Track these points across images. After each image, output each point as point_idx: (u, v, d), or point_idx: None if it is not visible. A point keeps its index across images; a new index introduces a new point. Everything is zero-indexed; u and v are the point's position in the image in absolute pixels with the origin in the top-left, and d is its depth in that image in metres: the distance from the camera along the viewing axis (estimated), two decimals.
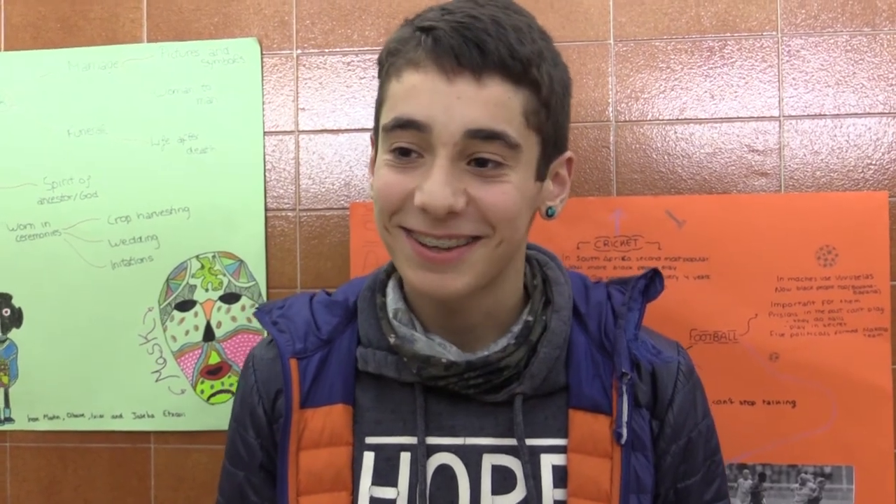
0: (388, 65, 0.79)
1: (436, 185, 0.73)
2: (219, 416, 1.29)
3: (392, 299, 0.88)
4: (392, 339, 0.85)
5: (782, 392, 1.21)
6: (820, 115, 1.23)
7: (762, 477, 1.22)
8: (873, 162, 1.22)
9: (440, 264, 0.77)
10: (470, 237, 0.77)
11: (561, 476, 0.83)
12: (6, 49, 1.36)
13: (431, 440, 0.85)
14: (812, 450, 1.21)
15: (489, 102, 0.74)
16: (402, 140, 0.75)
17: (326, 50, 1.31)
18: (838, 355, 1.20)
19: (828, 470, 1.21)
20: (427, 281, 0.77)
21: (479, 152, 0.75)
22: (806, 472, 1.21)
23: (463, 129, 0.73)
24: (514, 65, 0.74)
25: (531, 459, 0.83)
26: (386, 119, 0.77)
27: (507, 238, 0.78)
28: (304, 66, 1.32)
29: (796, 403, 1.21)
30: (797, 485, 1.21)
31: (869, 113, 1.22)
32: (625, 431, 0.83)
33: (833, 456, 1.20)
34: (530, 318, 0.85)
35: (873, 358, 1.20)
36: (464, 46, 0.73)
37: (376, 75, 0.84)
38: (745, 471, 1.22)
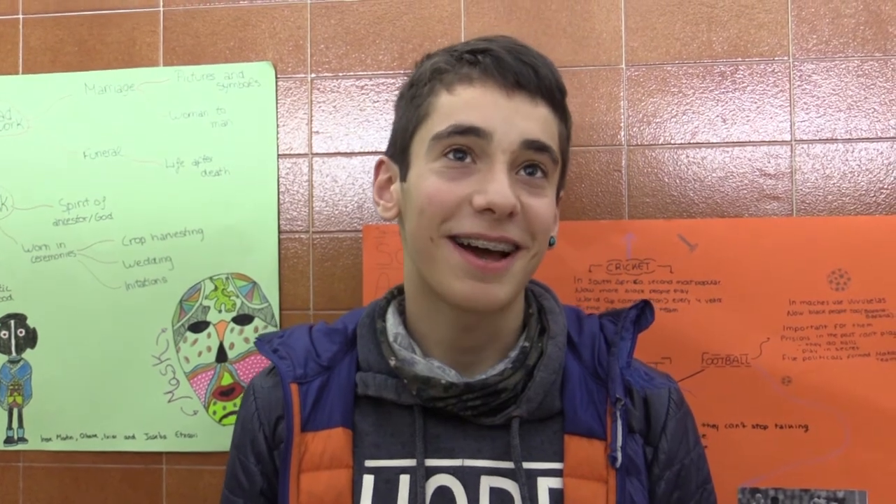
0: (434, 81, 0.83)
1: (502, 185, 0.77)
2: (231, 437, 1.29)
3: (392, 324, 0.90)
4: (393, 362, 0.86)
5: (795, 416, 1.21)
6: (832, 139, 1.24)
7: (774, 501, 1.21)
8: (885, 186, 1.22)
9: (490, 273, 0.79)
10: (514, 245, 0.80)
11: (557, 499, 0.84)
12: (24, 72, 1.37)
13: (430, 462, 0.86)
14: (825, 474, 1.20)
15: (540, 120, 0.81)
16: (458, 143, 0.79)
17: (340, 74, 1.33)
18: (851, 379, 1.20)
19: (841, 495, 1.20)
20: (475, 290, 0.79)
21: (531, 160, 0.80)
22: (819, 497, 1.21)
23: (521, 138, 0.79)
24: (558, 95, 0.83)
25: (528, 482, 0.84)
26: (439, 127, 0.80)
27: (540, 251, 0.83)
28: (318, 89, 1.33)
29: (809, 427, 1.21)
30: None
31: (881, 137, 1.23)
32: (619, 455, 0.84)
33: (846, 481, 1.20)
34: (527, 344, 0.88)
35: (886, 382, 1.20)
36: (523, 68, 0.80)
37: (403, 99, 0.87)
38: (758, 495, 1.21)
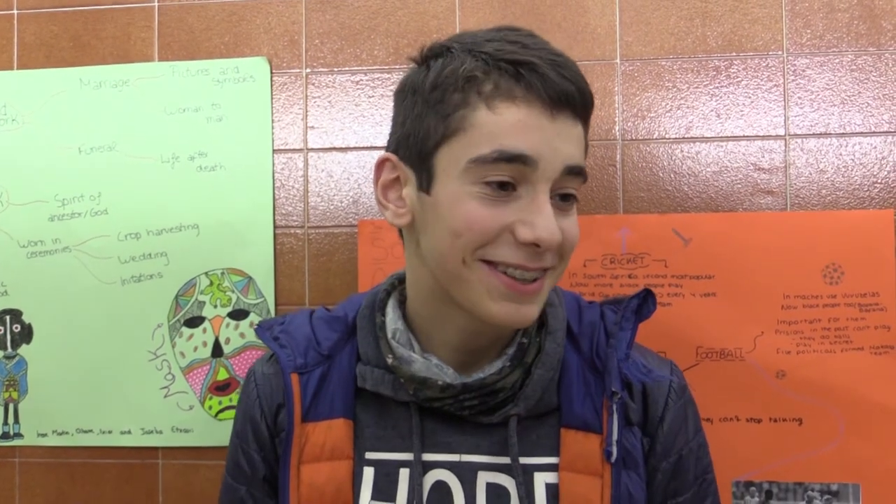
0: (469, 92, 0.76)
1: (549, 220, 0.75)
2: (227, 432, 1.26)
3: (391, 319, 0.89)
4: (390, 360, 0.85)
5: (789, 410, 1.21)
6: (825, 133, 1.24)
7: (769, 495, 1.22)
8: (879, 180, 1.23)
9: (528, 295, 0.78)
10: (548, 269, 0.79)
11: (553, 494, 0.84)
12: (19, 67, 1.37)
13: (428, 456, 0.86)
14: (819, 468, 1.21)
15: (578, 141, 0.78)
16: (504, 173, 0.75)
17: (336, 69, 1.33)
18: (845, 373, 1.21)
19: (834, 488, 1.21)
20: (512, 311, 0.78)
21: (566, 187, 0.78)
22: (813, 490, 1.21)
23: (563, 164, 0.76)
24: (591, 108, 0.80)
25: (524, 478, 0.84)
26: (482, 150, 0.75)
27: (565, 268, 0.82)
28: (313, 84, 1.33)
29: (803, 421, 1.21)
30: (804, 503, 1.21)
31: (874, 132, 1.23)
32: (615, 450, 0.84)
33: (840, 474, 1.20)
34: (525, 341, 0.86)
35: (880, 376, 1.20)
36: (568, 85, 0.75)
37: (417, 96, 0.80)
38: (752, 488, 1.22)
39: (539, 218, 0.75)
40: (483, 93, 0.76)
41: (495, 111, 0.75)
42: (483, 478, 0.85)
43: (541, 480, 0.84)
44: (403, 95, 0.83)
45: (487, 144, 0.75)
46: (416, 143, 0.80)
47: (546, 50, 0.77)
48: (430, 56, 0.82)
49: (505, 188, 0.75)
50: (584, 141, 0.81)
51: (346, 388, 0.89)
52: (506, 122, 0.75)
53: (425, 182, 0.79)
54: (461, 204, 0.76)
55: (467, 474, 0.85)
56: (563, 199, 0.78)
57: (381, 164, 0.84)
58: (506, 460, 0.84)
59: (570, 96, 0.75)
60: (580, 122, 0.79)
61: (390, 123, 0.87)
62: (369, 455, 0.87)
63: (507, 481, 0.85)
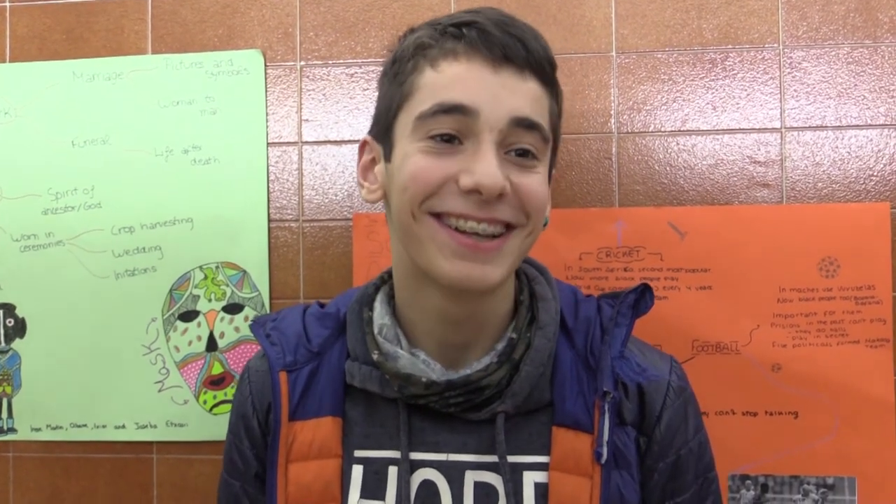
0: (418, 57, 0.79)
1: (490, 166, 0.74)
2: (221, 426, 1.27)
3: (379, 314, 0.88)
4: (375, 356, 0.85)
5: (784, 403, 1.21)
6: (821, 126, 1.24)
7: (764, 488, 1.22)
8: (875, 173, 1.23)
9: (482, 253, 0.76)
10: (506, 225, 0.78)
11: (542, 493, 0.83)
12: (12, 60, 1.36)
13: (416, 455, 0.85)
14: (814, 461, 1.21)
15: (529, 96, 0.77)
16: (445, 126, 0.76)
17: (330, 61, 1.32)
18: (840, 366, 1.20)
19: (830, 481, 1.21)
20: (466, 271, 0.76)
21: (519, 142, 0.77)
22: (808, 484, 1.21)
23: (509, 115, 0.75)
24: (548, 69, 0.80)
25: (513, 477, 0.83)
26: (424, 106, 0.76)
27: (535, 229, 0.81)
28: (307, 77, 1.32)
29: (798, 414, 1.21)
30: (800, 496, 1.21)
31: (870, 125, 1.23)
32: (605, 451, 0.82)
33: (836, 467, 1.20)
34: (514, 336, 0.85)
35: (875, 369, 1.20)
36: (510, 40, 0.76)
37: (386, 76, 0.84)
38: (748, 482, 1.22)
39: (479, 164, 0.75)
40: (428, 56, 0.78)
41: (438, 70, 0.77)
42: (471, 477, 0.84)
43: (530, 479, 0.83)
44: (380, 80, 0.87)
45: (429, 100, 0.76)
46: (381, 118, 0.83)
47: (497, 13, 0.79)
48: (404, 36, 0.85)
49: (451, 142, 0.76)
50: (547, 103, 0.80)
51: (335, 385, 0.88)
52: (446, 78, 0.77)
53: (388, 152, 0.82)
54: (408, 160, 0.77)
55: (454, 474, 0.84)
56: (520, 155, 0.78)
57: (361, 147, 0.88)
58: (494, 459, 0.83)
59: (513, 50, 0.76)
60: (533, 79, 0.78)
61: None
62: (358, 453, 0.86)
63: (495, 480, 0.84)
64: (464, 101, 0.75)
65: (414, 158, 0.77)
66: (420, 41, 0.79)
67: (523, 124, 0.76)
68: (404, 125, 0.79)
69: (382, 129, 0.83)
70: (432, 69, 0.77)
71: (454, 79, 0.76)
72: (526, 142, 0.77)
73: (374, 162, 0.86)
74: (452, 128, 0.76)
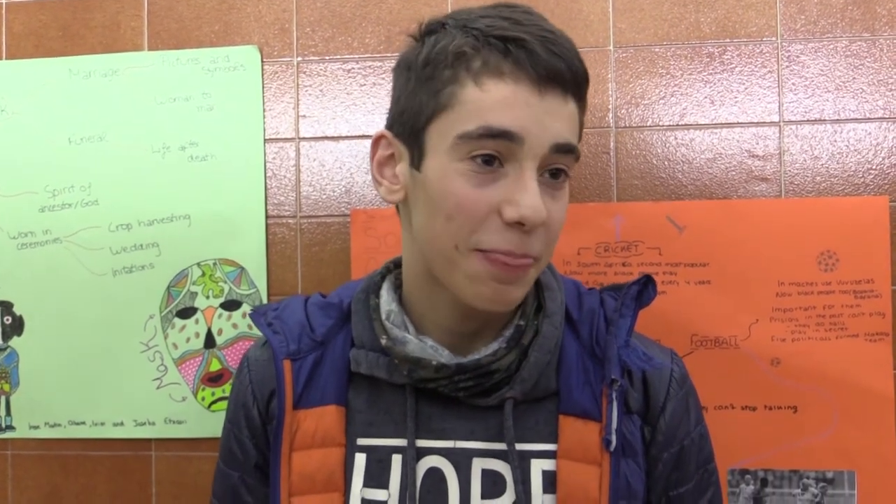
0: (458, 68, 0.76)
1: (535, 198, 0.74)
2: (220, 423, 1.25)
3: (385, 301, 0.89)
4: (384, 341, 0.85)
5: (784, 397, 1.21)
6: (820, 120, 1.23)
7: (764, 482, 1.21)
8: (873, 167, 1.22)
9: (514, 274, 0.77)
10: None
11: (550, 481, 0.83)
12: (7, 58, 1.36)
13: (422, 443, 0.85)
14: (814, 455, 1.21)
15: (569, 119, 0.77)
16: (488, 148, 0.75)
17: (327, 57, 1.32)
18: (840, 360, 1.20)
19: (830, 475, 1.20)
20: (494, 292, 0.77)
21: (556, 164, 0.77)
22: (808, 478, 1.21)
23: (552, 142, 0.75)
24: (585, 87, 0.80)
25: (521, 464, 0.83)
26: (468, 127, 0.75)
27: (549, 258, 0.82)
28: (304, 73, 1.32)
29: (798, 409, 1.21)
30: (799, 490, 1.21)
31: (869, 118, 1.23)
32: (614, 439, 0.83)
33: (835, 461, 1.20)
34: (522, 323, 0.85)
35: (875, 363, 1.20)
36: (556, 61, 0.75)
37: (411, 71, 0.80)
38: (747, 476, 1.22)
39: (524, 196, 0.74)
40: (472, 69, 0.76)
41: (482, 87, 0.75)
42: (478, 464, 0.84)
43: (538, 467, 0.83)
44: (400, 72, 0.84)
45: (474, 121, 0.75)
46: (408, 120, 0.80)
47: (538, 26, 0.77)
48: (426, 32, 0.82)
49: (491, 164, 0.75)
50: (578, 119, 0.80)
51: (339, 374, 0.88)
52: (492, 99, 0.75)
53: (417, 158, 0.80)
54: (449, 181, 0.76)
55: (462, 461, 0.84)
56: (553, 176, 0.78)
57: (376, 141, 0.85)
58: (501, 446, 0.83)
59: (559, 73, 0.75)
60: (572, 100, 0.78)
61: (383, 111, 0.87)
62: (361, 441, 0.86)
63: (502, 467, 0.84)
64: (511, 129, 0.74)
65: (457, 183, 0.76)
66: (460, 50, 0.76)
67: (563, 150, 0.76)
68: (440, 137, 0.77)
69: (408, 132, 0.81)
70: (476, 86, 0.75)
71: (501, 102, 0.74)
72: (562, 163, 0.78)
73: (392, 159, 0.84)
74: (495, 150, 0.75)
